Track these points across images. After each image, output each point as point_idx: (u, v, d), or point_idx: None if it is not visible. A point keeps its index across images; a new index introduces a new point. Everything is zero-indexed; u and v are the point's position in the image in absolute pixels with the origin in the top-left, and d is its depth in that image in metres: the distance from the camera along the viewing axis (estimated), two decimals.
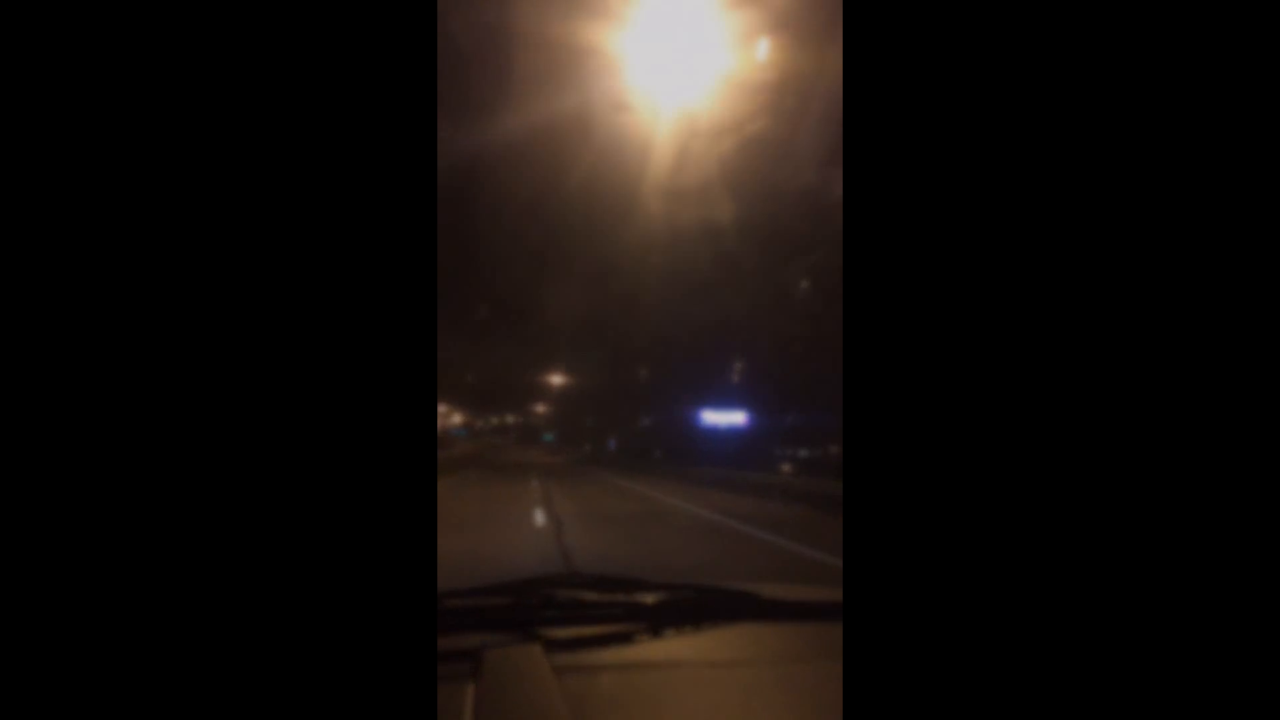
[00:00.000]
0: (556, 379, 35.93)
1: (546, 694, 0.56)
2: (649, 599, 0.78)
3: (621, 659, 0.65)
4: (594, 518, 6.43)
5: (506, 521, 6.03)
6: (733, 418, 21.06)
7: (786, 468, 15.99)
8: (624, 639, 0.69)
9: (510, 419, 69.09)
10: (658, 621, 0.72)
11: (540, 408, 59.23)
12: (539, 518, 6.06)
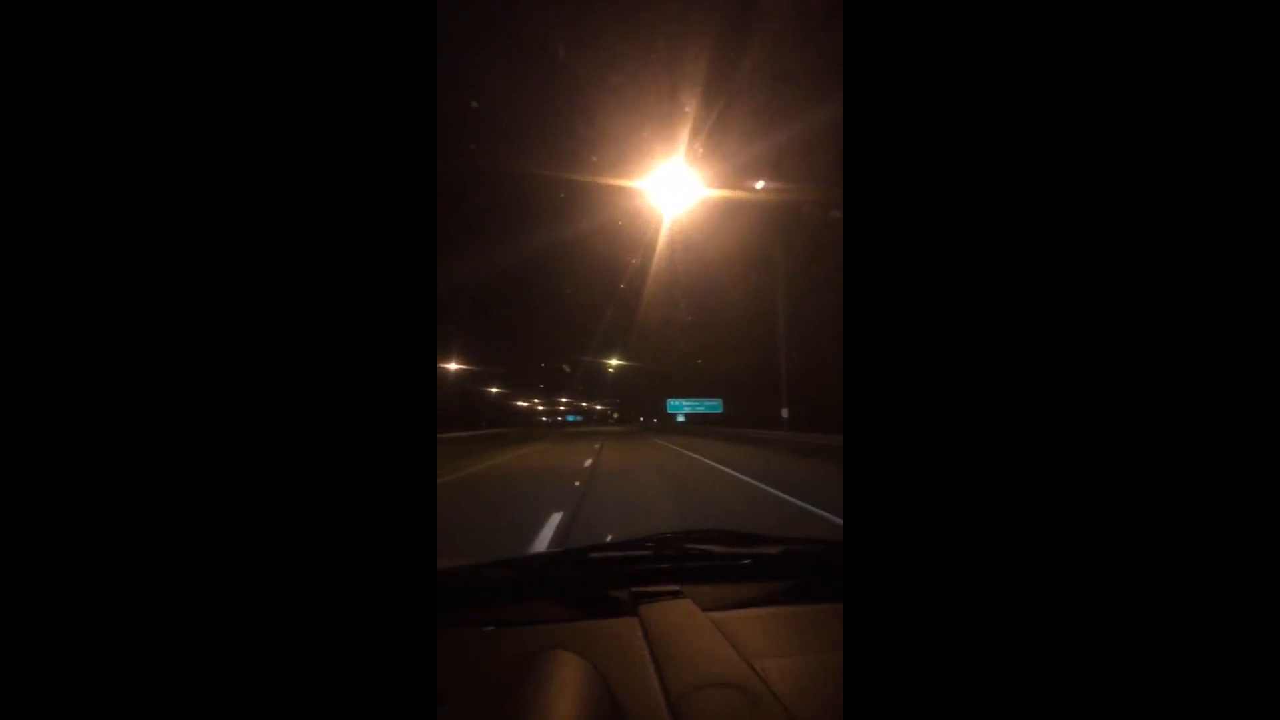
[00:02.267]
0: (614, 362, 54.89)
1: (702, 626, 0.66)
2: (772, 550, 0.91)
3: (763, 615, 0.73)
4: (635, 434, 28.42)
5: (609, 435, 27.59)
6: (711, 403, 38.17)
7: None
8: (765, 600, 0.78)
9: (598, 406, 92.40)
10: (784, 578, 0.84)
11: (600, 405, 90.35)
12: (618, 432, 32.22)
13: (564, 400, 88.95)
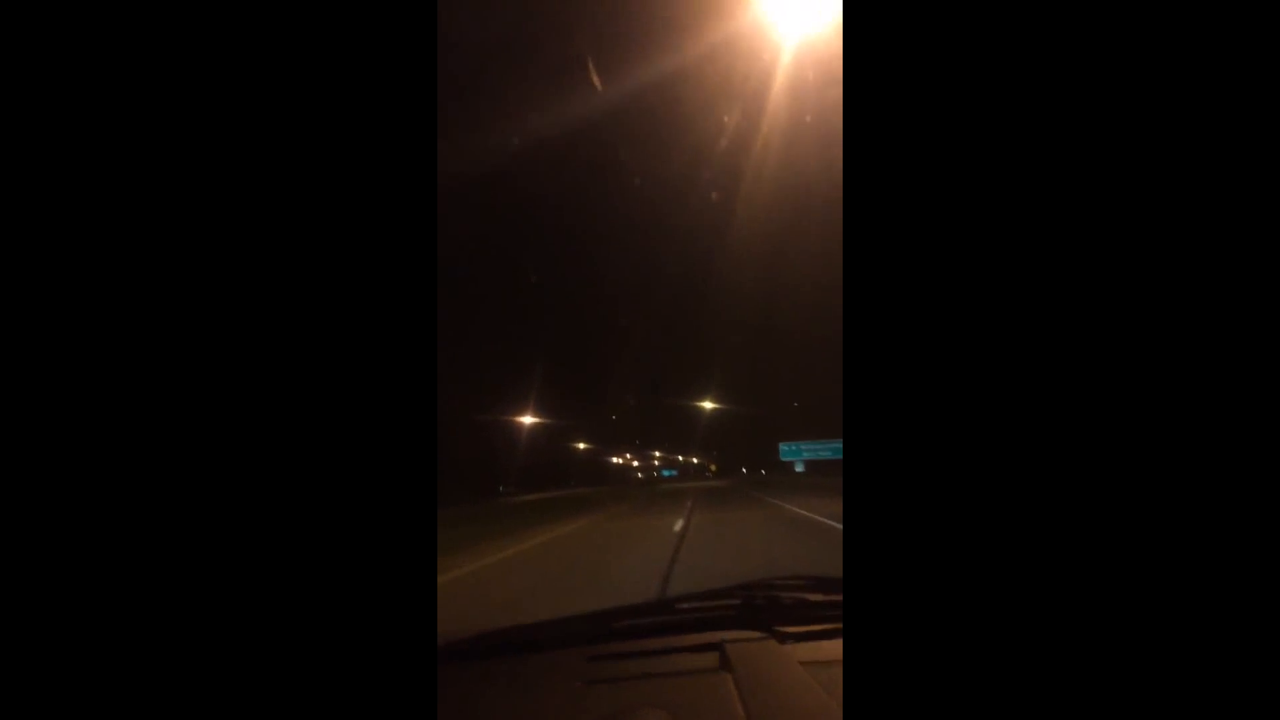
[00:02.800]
0: (709, 405, 49.15)
1: (798, 679, 0.62)
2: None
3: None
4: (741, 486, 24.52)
5: (702, 495, 18.48)
6: (837, 445, 30.82)
7: None
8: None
9: (694, 459, 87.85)
10: None
11: (696, 459, 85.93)
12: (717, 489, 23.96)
13: (657, 455, 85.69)
